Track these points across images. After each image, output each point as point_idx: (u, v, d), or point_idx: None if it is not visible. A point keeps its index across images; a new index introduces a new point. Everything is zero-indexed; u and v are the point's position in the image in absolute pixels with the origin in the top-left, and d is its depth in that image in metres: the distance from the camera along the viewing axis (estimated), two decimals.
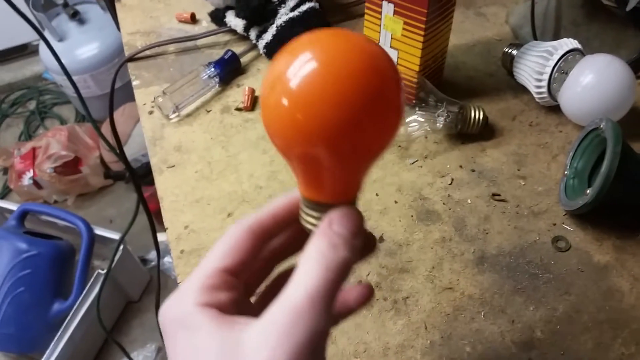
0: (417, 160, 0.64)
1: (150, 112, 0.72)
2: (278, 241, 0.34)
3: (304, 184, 0.30)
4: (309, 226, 0.31)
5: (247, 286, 0.33)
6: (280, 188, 0.62)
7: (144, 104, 0.74)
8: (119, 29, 0.96)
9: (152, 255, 1.74)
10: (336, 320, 0.34)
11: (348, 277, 0.27)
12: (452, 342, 0.50)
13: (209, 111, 0.72)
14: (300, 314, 0.24)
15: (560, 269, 0.54)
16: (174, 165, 0.66)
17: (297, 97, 0.25)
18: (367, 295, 0.33)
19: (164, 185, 0.64)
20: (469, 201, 0.60)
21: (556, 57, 0.63)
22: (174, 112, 0.71)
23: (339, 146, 0.26)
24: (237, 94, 0.74)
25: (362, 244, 0.28)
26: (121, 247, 1.46)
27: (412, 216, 0.59)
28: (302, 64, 0.25)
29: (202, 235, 0.59)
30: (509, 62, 0.70)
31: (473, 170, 0.63)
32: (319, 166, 0.27)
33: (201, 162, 0.66)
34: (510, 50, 0.70)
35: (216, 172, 0.65)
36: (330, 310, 0.25)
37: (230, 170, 0.65)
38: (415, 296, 0.53)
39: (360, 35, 0.27)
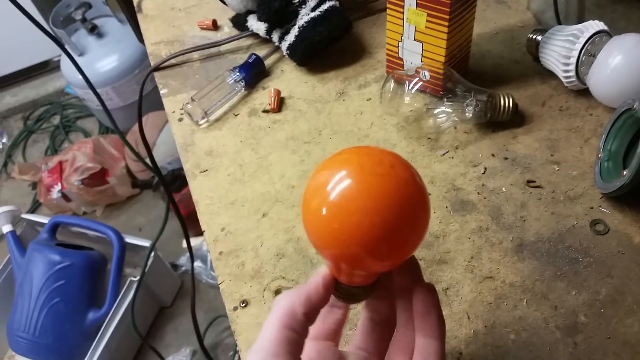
0: (447, 151, 0.64)
1: (180, 119, 0.73)
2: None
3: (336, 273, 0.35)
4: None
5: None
6: None
7: (173, 112, 0.75)
8: (139, 39, 0.97)
9: (182, 260, 1.76)
10: None
11: None
12: (495, 331, 0.50)
13: (236, 115, 0.73)
14: None
15: (600, 253, 0.54)
16: (206, 170, 0.67)
17: (334, 209, 0.30)
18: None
19: (198, 189, 0.65)
20: (503, 189, 0.60)
21: (583, 40, 0.62)
22: (202, 117, 0.72)
23: (367, 251, 0.30)
24: (263, 97, 0.74)
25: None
26: (152, 254, 1.48)
27: (446, 207, 0.59)
28: (338, 182, 0.30)
29: (238, 237, 0.60)
30: (534, 48, 0.70)
31: (506, 158, 0.62)
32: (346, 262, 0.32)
33: (233, 165, 0.67)
34: (534, 36, 0.70)
35: (248, 174, 0.66)
36: None
37: (262, 171, 0.66)
38: (455, 287, 0.53)
39: (388, 154, 0.31)
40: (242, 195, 0.64)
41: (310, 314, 0.33)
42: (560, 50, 0.64)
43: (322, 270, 0.35)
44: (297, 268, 0.56)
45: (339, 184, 0.30)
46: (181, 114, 0.74)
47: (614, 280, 0.52)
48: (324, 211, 0.30)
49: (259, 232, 0.60)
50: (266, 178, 0.65)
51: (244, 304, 0.54)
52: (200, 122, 0.72)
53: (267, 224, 0.60)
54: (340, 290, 0.36)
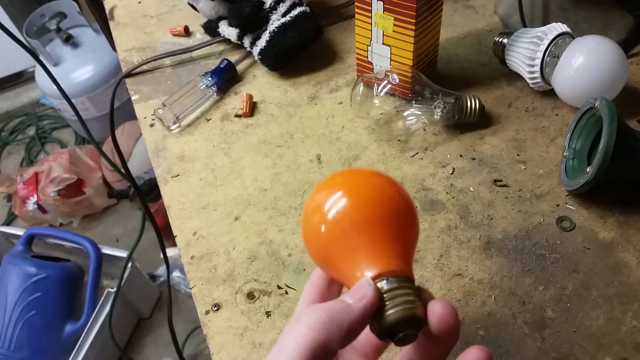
0: (417, 153, 0.65)
1: (152, 125, 0.73)
2: None
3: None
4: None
5: None
6: (284, 189, 0.63)
7: (145, 117, 0.75)
8: (113, 48, 0.97)
9: (160, 270, 1.74)
10: None
11: None
12: (465, 327, 0.50)
13: (209, 120, 0.73)
14: None
15: (566, 249, 0.55)
16: (178, 175, 0.67)
17: (332, 227, 0.33)
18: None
19: (170, 194, 0.65)
20: (471, 189, 0.61)
21: (547, 42, 0.64)
22: (174, 123, 0.72)
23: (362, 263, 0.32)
24: (235, 101, 0.75)
25: None
26: (129, 264, 1.47)
27: (416, 207, 0.60)
28: (334, 202, 0.33)
29: (211, 241, 0.60)
30: (500, 51, 0.71)
31: (473, 159, 0.63)
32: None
33: (205, 169, 0.67)
34: (500, 39, 0.71)
35: (220, 178, 0.66)
36: None
37: (234, 175, 0.66)
38: (425, 285, 0.53)
39: (378, 176, 0.35)
40: (214, 200, 0.64)
41: (345, 345, 0.30)
42: (525, 52, 0.66)
43: (365, 288, 0.30)
44: (269, 270, 0.56)
45: (336, 204, 0.33)
46: (152, 119, 0.74)
47: (579, 275, 0.53)
48: (322, 228, 0.33)
49: (231, 236, 0.60)
50: (238, 182, 0.65)
51: (216, 308, 0.54)
52: (172, 127, 0.72)
53: (239, 228, 0.60)
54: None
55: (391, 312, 0.30)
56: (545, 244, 0.55)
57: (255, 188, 0.64)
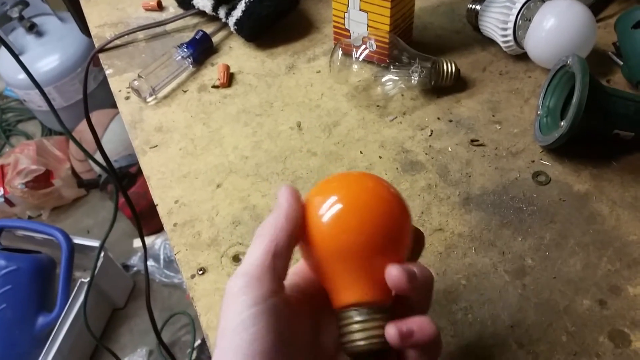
0: (396, 117, 0.66)
1: (127, 98, 0.72)
2: None
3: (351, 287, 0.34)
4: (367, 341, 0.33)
5: None
6: (265, 156, 0.63)
7: (120, 91, 0.74)
8: (82, 30, 0.95)
9: (134, 260, 1.72)
10: None
11: None
12: (447, 277, 0.51)
13: (185, 91, 0.72)
14: None
15: (543, 201, 0.56)
16: (156, 145, 0.66)
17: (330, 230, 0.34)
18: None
19: (149, 164, 0.64)
20: (449, 149, 0.62)
21: (519, 6, 0.65)
22: (150, 94, 0.71)
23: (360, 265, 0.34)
24: (212, 73, 0.74)
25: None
26: (102, 254, 1.45)
27: (397, 168, 0.61)
28: (330, 206, 0.34)
29: (193, 208, 0.59)
30: (473, 18, 0.73)
31: (450, 121, 0.65)
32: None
33: (184, 139, 0.66)
34: (473, 7, 0.73)
35: (200, 147, 0.65)
36: None
37: (214, 144, 0.66)
38: None
39: (379, 182, 0.36)
40: (195, 168, 0.63)
41: (293, 235, 0.34)
42: (498, 17, 0.67)
43: (286, 190, 0.35)
44: (254, 234, 0.56)
45: (331, 208, 0.34)
46: (128, 92, 0.73)
47: (557, 225, 0.54)
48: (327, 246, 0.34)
49: (214, 202, 0.60)
50: (219, 150, 0.65)
51: (201, 271, 0.54)
52: (148, 99, 0.71)
53: (222, 194, 0.60)
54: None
55: (358, 344, 0.33)
56: (522, 197, 0.57)
57: (236, 156, 0.64)
